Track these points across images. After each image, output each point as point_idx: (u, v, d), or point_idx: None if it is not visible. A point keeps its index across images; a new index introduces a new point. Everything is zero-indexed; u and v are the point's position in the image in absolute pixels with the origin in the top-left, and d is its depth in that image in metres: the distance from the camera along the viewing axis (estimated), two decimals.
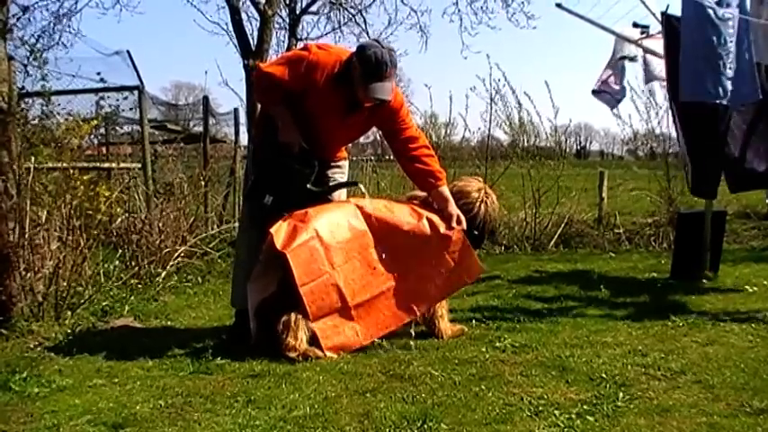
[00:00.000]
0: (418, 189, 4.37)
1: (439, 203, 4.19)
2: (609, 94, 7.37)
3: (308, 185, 4.05)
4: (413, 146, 4.18)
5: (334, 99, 3.98)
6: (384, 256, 4.00)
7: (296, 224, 3.86)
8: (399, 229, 4.04)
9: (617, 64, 7.34)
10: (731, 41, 5.01)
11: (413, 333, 4.13)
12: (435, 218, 4.11)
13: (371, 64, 3.83)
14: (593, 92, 7.41)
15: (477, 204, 4.31)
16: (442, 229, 4.08)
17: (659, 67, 6.94)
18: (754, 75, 5.07)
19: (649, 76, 7.36)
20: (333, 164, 4.34)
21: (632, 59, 7.34)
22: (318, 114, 4.05)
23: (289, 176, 4.03)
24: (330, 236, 3.88)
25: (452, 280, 4.13)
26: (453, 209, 4.14)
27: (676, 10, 5.36)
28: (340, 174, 4.39)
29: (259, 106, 5.57)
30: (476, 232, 4.29)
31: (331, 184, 4.28)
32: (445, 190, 4.19)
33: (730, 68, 5.01)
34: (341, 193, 4.38)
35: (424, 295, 4.05)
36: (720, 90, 5.04)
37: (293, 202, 4.00)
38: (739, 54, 5.03)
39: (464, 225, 4.13)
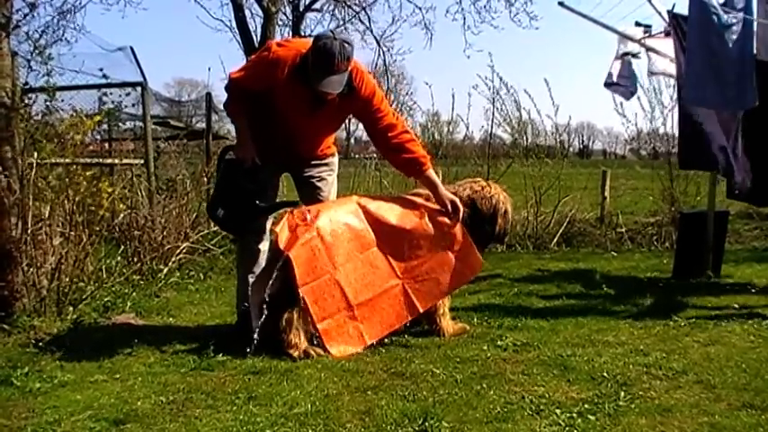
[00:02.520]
0: (405, 175, 4.36)
1: (429, 188, 4.17)
2: (621, 85, 7.35)
3: (256, 201, 4.06)
4: (393, 134, 4.08)
5: (299, 93, 3.92)
6: (386, 254, 4.00)
7: (298, 223, 3.87)
8: (402, 227, 4.04)
9: (623, 59, 7.33)
10: (733, 47, 4.99)
11: (415, 331, 4.15)
12: (438, 216, 4.11)
13: (320, 56, 3.73)
14: (606, 84, 7.38)
15: (508, 207, 4.36)
16: (444, 227, 4.08)
17: (660, 62, 6.93)
18: (753, 82, 5.05)
19: (652, 69, 7.33)
20: (319, 161, 4.31)
21: (635, 56, 7.33)
22: (288, 111, 4.02)
23: (235, 191, 4.04)
24: (332, 235, 3.88)
25: (455, 277, 4.12)
26: (445, 193, 4.11)
27: (681, 9, 5.37)
28: (328, 172, 4.35)
29: None
30: (507, 239, 4.37)
31: (277, 201, 4.32)
32: (432, 174, 4.15)
33: (732, 74, 4.99)
34: (332, 193, 4.39)
35: (427, 293, 4.05)
36: (721, 98, 5.03)
37: (241, 215, 4.06)
38: (742, 61, 5.01)
39: (461, 208, 4.11)
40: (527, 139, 9.39)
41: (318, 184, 4.30)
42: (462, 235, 4.11)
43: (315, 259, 3.81)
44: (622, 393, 3.09)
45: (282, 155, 4.18)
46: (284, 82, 3.89)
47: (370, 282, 3.94)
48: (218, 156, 4.34)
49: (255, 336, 3.74)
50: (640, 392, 3.12)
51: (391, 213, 4.06)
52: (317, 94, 3.88)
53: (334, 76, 3.77)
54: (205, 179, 7.93)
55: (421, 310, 4.04)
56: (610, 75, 7.28)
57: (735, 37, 4.95)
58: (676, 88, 5.72)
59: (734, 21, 4.95)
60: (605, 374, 3.36)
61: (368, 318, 3.91)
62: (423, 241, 4.05)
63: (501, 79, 9.05)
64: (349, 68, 3.86)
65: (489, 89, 9.03)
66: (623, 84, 7.31)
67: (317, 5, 11.79)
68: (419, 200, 4.18)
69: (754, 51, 5.10)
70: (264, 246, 4.19)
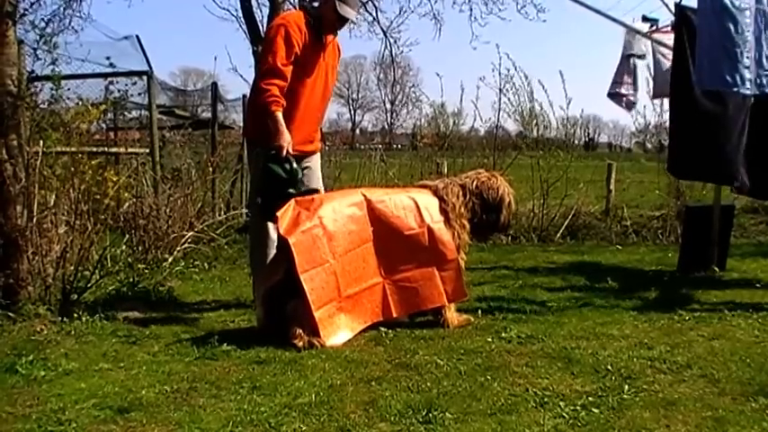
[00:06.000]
0: None
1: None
2: (624, 95, 7.32)
3: (289, 189, 4.06)
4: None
5: (313, 38, 4.29)
6: (377, 252, 4.03)
7: (300, 211, 3.88)
8: (399, 231, 4.08)
9: (627, 63, 7.28)
10: (748, 31, 4.95)
11: (419, 322, 4.15)
12: (438, 229, 4.13)
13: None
14: (609, 95, 7.36)
15: (512, 198, 4.43)
16: (439, 245, 4.12)
17: (667, 65, 6.87)
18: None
19: (657, 91, 7.21)
20: (314, 151, 4.49)
21: (641, 57, 7.28)
22: (311, 59, 4.27)
23: (275, 181, 4.05)
24: (334, 225, 3.89)
25: (435, 295, 4.14)
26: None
27: (688, 1, 5.32)
28: (317, 166, 4.53)
29: None
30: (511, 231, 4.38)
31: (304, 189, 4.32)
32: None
33: (747, 57, 4.96)
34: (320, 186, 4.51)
35: (404, 300, 4.10)
36: (738, 79, 4.98)
37: (277, 203, 4.06)
38: (757, 45, 4.97)
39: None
40: (537, 130, 9.29)
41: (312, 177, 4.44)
42: (455, 262, 4.16)
43: (315, 247, 3.81)
44: (626, 387, 3.09)
45: (301, 135, 4.30)
46: (307, 32, 4.25)
47: (359, 276, 3.98)
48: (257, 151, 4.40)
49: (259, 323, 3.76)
50: (644, 386, 3.12)
51: (395, 215, 4.09)
52: (320, 35, 4.35)
53: (355, 11, 4.41)
54: (210, 169, 7.94)
55: (394, 314, 4.08)
56: (614, 82, 7.25)
57: (749, 20, 4.92)
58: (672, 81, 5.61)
59: (746, 5, 4.91)
60: (609, 367, 3.36)
61: (349, 311, 3.95)
62: (415, 251, 4.10)
63: (515, 67, 8.98)
64: None
65: (500, 78, 8.96)
66: (625, 91, 7.28)
67: None
68: (427, 215, 4.16)
69: None
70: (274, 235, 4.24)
